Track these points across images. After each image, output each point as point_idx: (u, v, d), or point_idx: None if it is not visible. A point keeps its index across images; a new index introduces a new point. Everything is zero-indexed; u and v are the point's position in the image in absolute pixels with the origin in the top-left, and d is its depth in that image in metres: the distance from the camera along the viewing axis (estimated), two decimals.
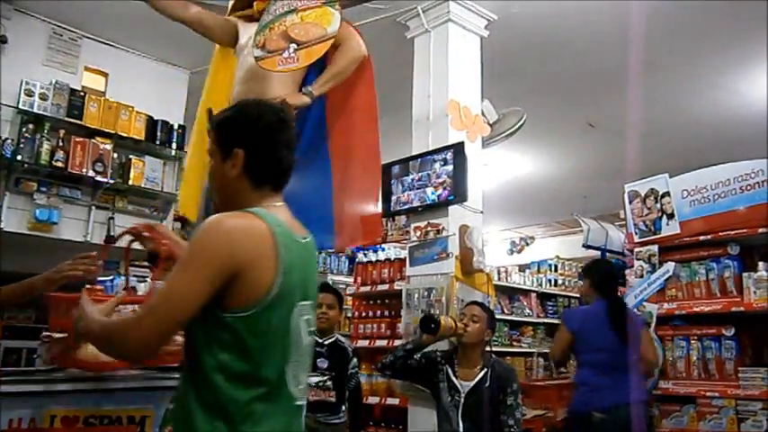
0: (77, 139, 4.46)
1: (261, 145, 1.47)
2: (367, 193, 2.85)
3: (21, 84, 4.35)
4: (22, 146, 4.26)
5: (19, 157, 4.23)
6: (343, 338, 3.62)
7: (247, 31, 2.65)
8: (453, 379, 3.06)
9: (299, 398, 1.44)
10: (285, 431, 1.39)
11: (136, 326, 1.30)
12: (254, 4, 2.69)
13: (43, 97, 4.41)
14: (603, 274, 3.57)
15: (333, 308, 3.51)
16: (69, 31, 4.77)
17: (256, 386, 1.34)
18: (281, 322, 1.38)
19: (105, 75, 4.93)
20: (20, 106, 4.32)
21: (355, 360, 3.56)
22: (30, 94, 4.37)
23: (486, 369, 3.03)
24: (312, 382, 2.67)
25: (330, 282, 5.28)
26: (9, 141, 4.24)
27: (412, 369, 3.19)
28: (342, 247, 2.97)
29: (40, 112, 4.37)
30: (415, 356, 3.18)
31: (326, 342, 3.43)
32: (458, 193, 3.82)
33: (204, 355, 1.32)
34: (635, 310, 3.51)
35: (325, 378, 3.28)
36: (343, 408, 3.42)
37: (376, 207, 2.95)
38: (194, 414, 1.31)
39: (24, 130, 4.31)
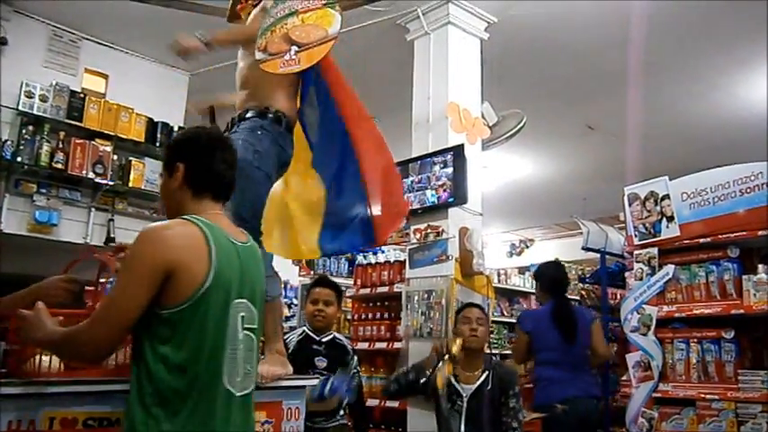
0: (77, 141, 4.46)
1: (199, 160, 1.67)
2: (391, 174, 2.74)
3: (21, 85, 4.35)
4: (21, 147, 4.26)
5: (19, 159, 4.24)
6: (340, 336, 3.41)
7: None
8: (455, 383, 3.02)
9: (237, 388, 1.56)
10: (222, 419, 1.52)
11: (88, 331, 1.47)
12: (240, 12, 2.67)
13: (43, 99, 4.41)
14: (549, 276, 3.84)
15: (330, 304, 3.26)
16: (69, 32, 4.78)
17: (193, 376, 1.48)
18: (216, 316, 1.52)
19: (105, 76, 4.94)
20: (20, 108, 4.33)
21: (356, 358, 3.38)
22: (30, 95, 4.37)
23: (487, 372, 3.00)
24: (310, 384, 2.60)
25: None
26: (9, 143, 4.25)
27: (416, 388, 3.11)
28: (383, 238, 2.88)
29: (40, 114, 4.38)
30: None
31: (324, 339, 3.22)
32: (457, 195, 3.82)
33: (146, 349, 1.47)
34: (634, 312, 3.51)
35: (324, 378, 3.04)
36: (342, 411, 3.25)
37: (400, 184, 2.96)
38: (134, 408, 1.45)
39: (24, 131, 4.31)
